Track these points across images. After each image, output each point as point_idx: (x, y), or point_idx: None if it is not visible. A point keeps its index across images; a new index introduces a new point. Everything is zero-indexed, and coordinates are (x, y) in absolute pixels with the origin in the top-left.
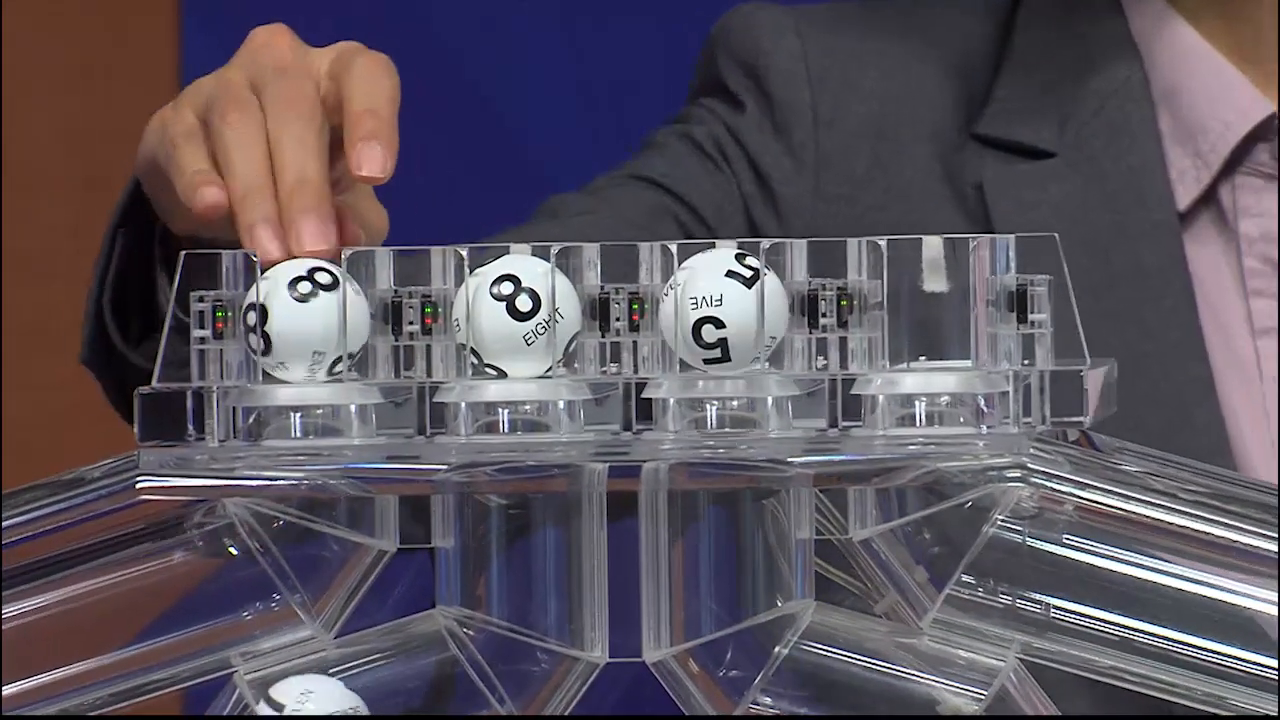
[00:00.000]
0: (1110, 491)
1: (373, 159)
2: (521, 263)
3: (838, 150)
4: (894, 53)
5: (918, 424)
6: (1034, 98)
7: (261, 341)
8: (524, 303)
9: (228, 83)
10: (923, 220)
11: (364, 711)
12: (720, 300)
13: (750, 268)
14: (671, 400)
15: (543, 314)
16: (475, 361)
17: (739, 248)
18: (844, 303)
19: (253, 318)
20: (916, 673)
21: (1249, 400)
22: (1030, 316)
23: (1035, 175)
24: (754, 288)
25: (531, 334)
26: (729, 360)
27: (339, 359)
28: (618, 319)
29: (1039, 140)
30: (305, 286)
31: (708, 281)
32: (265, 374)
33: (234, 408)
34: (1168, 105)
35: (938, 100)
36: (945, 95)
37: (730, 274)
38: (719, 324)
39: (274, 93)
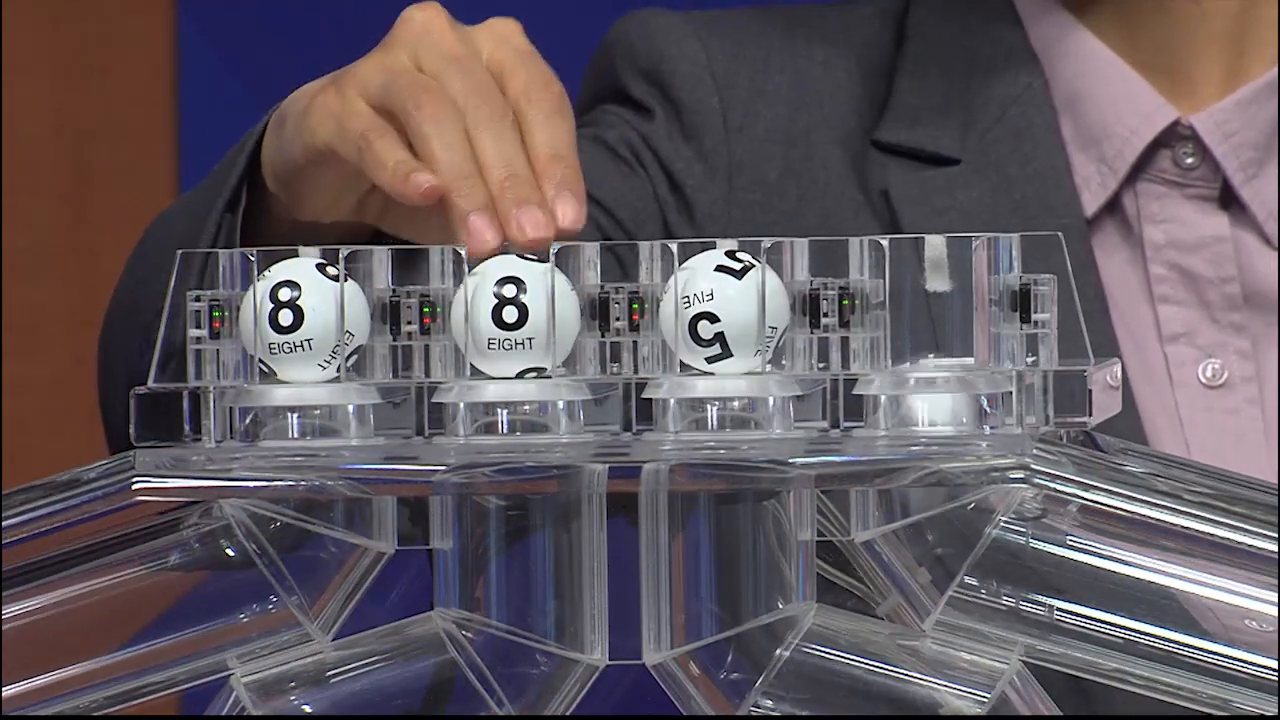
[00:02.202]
0: (1114, 493)
1: (566, 211)
2: (521, 263)
3: (749, 156)
4: (797, 57)
5: (920, 424)
6: (932, 103)
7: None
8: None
9: (401, 70)
10: (839, 225)
11: None
12: (711, 295)
13: (740, 260)
14: (672, 401)
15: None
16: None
17: (737, 245)
18: (845, 302)
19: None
20: (919, 675)
21: (1162, 407)
22: (1034, 316)
23: (942, 182)
24: (745, 280)
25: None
26: (730, 355)
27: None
28: (618, 319)
29: (941, 146)
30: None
31: (699, 279)
32: (263, 375)
33: (231, 408)
34: (1070, 112)
35: (843, 104)
36: (850, 99)
37: (720, 268)
38: (713, 319)
39: (459, 85)
